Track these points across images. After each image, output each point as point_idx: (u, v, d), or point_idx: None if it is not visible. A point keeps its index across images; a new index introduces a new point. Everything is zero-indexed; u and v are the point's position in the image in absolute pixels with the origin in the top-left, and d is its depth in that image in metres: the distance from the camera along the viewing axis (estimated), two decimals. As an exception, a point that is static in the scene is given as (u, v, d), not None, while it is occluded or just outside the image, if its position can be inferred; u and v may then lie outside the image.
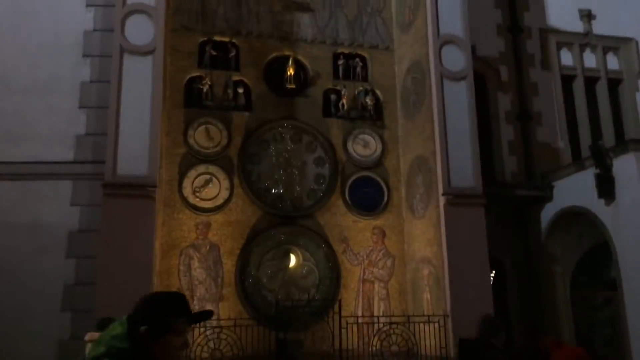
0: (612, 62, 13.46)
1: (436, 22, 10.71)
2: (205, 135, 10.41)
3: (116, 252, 8.14)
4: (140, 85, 8.84)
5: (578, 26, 13.36)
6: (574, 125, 12.87)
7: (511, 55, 12.79)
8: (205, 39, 10.87)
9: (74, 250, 9.17)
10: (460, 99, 10.47)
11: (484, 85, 12.44)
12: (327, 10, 11.87)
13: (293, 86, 11.15)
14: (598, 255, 11.05)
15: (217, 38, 10.95)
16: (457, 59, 10.65)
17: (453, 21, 10.79)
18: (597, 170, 9.89)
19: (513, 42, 12.87)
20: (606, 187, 9.76)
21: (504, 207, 11.59)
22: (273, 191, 10.64)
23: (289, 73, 11.11)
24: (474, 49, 11.68)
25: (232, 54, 11.01)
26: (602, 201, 9.89)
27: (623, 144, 10.17)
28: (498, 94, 12.54)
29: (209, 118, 10.48)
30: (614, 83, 13.43)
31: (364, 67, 11.81)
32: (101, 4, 10.00)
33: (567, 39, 13.27)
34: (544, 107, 12.64)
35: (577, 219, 10.85)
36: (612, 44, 13.48)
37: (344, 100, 11.33)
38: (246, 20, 11.24)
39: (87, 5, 10.03)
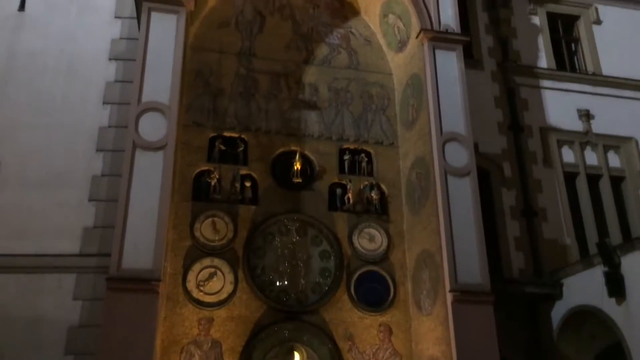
0: (614, 160, 13.72)
1: (439, 120, 11.06)
2: (212, 228, 10.45)
3: (116, 349, 7.92)
4: (150, 180, 9.02)
5: (577, 125, 13.76)
6: (579, 222, 12.91)
7: (513, 152, 13.08)
8: (215, 134, 11.21)
9: (73, 346, 8.93)
10: (464, 194, 10.59)
11: (487, 182, 12.63)
12: (334, 108, 12.31)
13: (299, 180, 11.33)
14: (613, 357, 10.66)
15: (226, 134, 11.30)
16: (460, 156, 10.89)
17: (455, 119, 11.15)
18: (606, 269, 9.80)
19: (514, 140, 13.21)
20: (616, 286, 9.62)
21: (513, 304, 11.36)
22: (277, 284, 10.51)
23: (295, 168, 11.33)
24: (476, 146, 11.94)
25: (241, 148, 11.30)
26: (613, 300, 9.71)
27: (630, 242, 10.14)
28: (502, 190, 12.70)
29: (216, 211, 10.57)
30: (617, 180, 13.61)
31: (369, 162, 12.05)
32: (117, 102, 10.46)
33: (567, 137, 13.62)
34: (548, 204, 12.73)
35: (588, 318, 10.59)
36: (612, 143, 13.80)
37: (350, 194, 11.46)
38: (255, 117, 11.64)
39: (104, 103, 10.49)
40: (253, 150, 11.37)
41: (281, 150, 11.56)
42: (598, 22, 15.14)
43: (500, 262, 11.98)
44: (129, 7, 11.16)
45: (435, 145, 10.82)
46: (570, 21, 15.29)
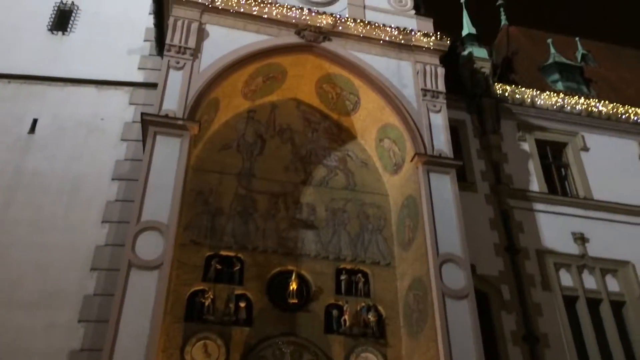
0: (613, 284, 13.59)
1: (435, 241, 11.15)
2: (203, 352, 10.13)
3: None
4: (142, 300, 8.89)
5: (573, 248, 13.80)
6: (582, 348, 12.50)
7: (511, 274, 12.99)
8: (212, 253, 11.23)
9: None
10: (463, 317, 10.40)
11: (487, 304, 12.42)
12: (331, 228, 12.45)
13: (295, 301, 11.18)
14: None
15: (223, 252, 11.32)
16: (457, 277, 10.84)
17: (451, 241, 11.24)
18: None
19: (511, 262, 13.17)
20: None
21: None
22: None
23: (291, 288, 11.22)
24: (473, 268, 11.94)
25: (237, 267, 11.26)
26: None
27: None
28: (502, 313, 12.44)
29: (208, 333, 10.31)
30: (618, 305, 13.39)
31: (366, 282, 11.95)
32: (116, 221, 10.59)
33: (564, 261, 13.59)
34: (549, 329, 12.41)
35: None
36: (610, 266, 13.76)
37: (346, 316, 11.24)
38: (253, 236, 11.73)
39: (103, 222, 10.61)
40: (249, 270, 11.32)
41: (277, 269, 11.52)
42: (585, 149, 15.75)
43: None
44: (136, 131, 11.68)
45: (432, 266, 10.82)
46: (559, 148, 15.92)
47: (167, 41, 11.71)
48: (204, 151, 12.32)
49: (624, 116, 16.41)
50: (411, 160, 12.21)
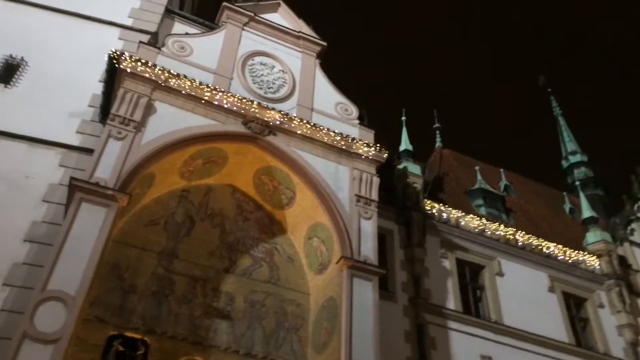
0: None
1: (349, 348, 11.04)
2: None
3: None
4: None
5: (482, 372, 14.04)
6: None
7: (420, 392, 12.95)
8: (116, 333, 10.60)
9: None
10: None
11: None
12: (247, 321, 12.14)
13: (197, 397, 10.59)
14: None
15: (128, 334, 10.71)
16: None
17: (365, 349, 11.16)
18: None
19: (422, 379, 13.19)
20: None
21: None
22: None
23: (194, 378, 10.67)
24: (383, 380, 11.82)
25: (141, 352, 10.64)
26: None
27: None
28: None
29: None
30: None
31: (274, 384, 11.54)
32: (19, 285, 9.89)
33: (473, 384, 13.75)
34: None
35: None
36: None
37: (247, 420, 10.71)
38: (164, 320, 11.22)
39: (3, 284, 9.86)
40: (153, 355, 10.72)
41: (183, 359, 10.96)
42: (501, 274, 16.50)
43: None
44: (60, 194, 11.21)
45: (343, 375, 10.62)
46: (477, 269, 16.60)
47: (113, 110, 11.69)
48: (129, 224, 11.95)
49: (537, 248, 17.46)
50: (337, 262, 12.32)
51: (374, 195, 13.73)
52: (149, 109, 12.12)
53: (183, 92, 12.64)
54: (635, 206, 21.07)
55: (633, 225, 20.20)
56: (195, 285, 11.99)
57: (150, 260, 11.82)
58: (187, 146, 12.34)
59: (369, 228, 13.19)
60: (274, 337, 12.20)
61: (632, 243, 19.51)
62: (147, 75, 12.32)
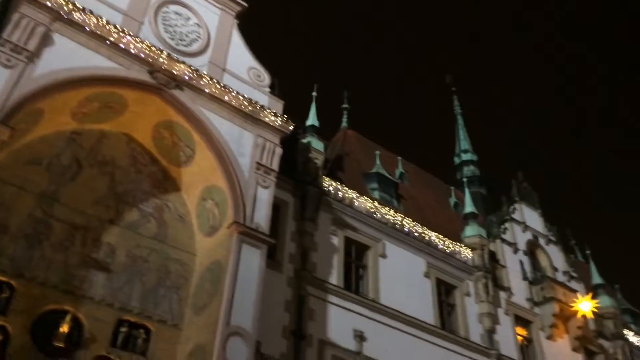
0: (375, 383, 14.63)
1: (229, 311, 11.15)
2: None
3: None
4: None
5: (352, 344, 14.70)
6: None
7: (291, 358, 13.33)
8: (-21, 272, 9.92)
9: None
10: (234, 395, 10.34)
11: (261, 384, 12.49)
12: (126, 275, 11.85)
13: (62, 345, 10.20)
14: None
15: (-7, 274, 10.06)
16: (241, 352, 10.88)
17: (245, 315, 11.32)
18: None
19: (295, 347, 13.56)
20: None
21: None
22: None
23: (61, 330, 10.26)
24: (259, 345, 12.06)
25: (5, 295, 10.04)
26: None
27: None
28: (273, 395, 12.60)
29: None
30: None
31: (147, 340, 11.42)
32: None
33: (341, 354, 14.35)
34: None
35: None
36: (378, 368, 14.84)
37: (114, 372, 10.52)
38: (35, 265, 10.65)
39: None
40: (19, 300, 10.17)
41: (51, 307, 10.49)
42: (384, 255, 17.30)
43: None
44: None
45: (219, 337, 10.73)
46: (363, 249, 17.26)
47: (4, 35, 10.68)
48: (7, 160, 11.08)
49: (420, 235, 18.47)
50: (228, 227, 12.31)
51: (275, 165, 13.81)
52: (46, 40, 11.24)
53: (87, 28, 11.83)
54: (511, 208, 22.90)
55: (506, 225, 21.97)
56: (74, 233, 11.45)
57: (27, 201, 11.10)
58: (84, 86, 11.62)
59: (265, 197, 13.26)
60: (152, 294, 12.01)
61: (503, 241, 21.24)
62: (48, 3, 11.38)
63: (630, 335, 22.53)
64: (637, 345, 22.43)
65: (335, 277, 15.68)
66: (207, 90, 13.24)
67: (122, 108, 12.73)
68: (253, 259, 12.14)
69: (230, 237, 12.15)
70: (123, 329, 11.17)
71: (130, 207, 12.63)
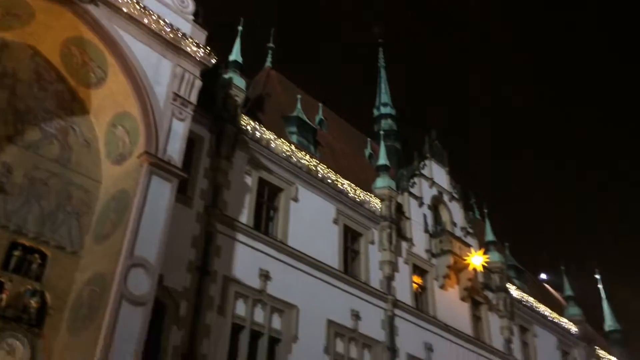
0: (276, 322, 15.09)
1: (133, 242, 10.94)
2: None
3: None
4: None
5: (256, 283, 14.98)
6: (232, 375, 13.47)
7: (194, 293, 13.39)
8: None
9: None
10: (132, 325, 10.32)
11: (161, 316, 12.50)
12: (23, 197, 11.24)
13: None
14: None
15: None
16: (142, 284, 10.77)
17: (149, 247, 11.16)
18: None
19: (199, 282, 13.62)
20: None
21: None
22: None
23: (-52, 249, 9.64)
24: (161, 278, 12.01)
25: None
26: None
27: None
28: (173, 328, 12.65)
29: None
30: (274, 341, 14.85)
31: (42, 265, 11.01)
32: None
33: (245, 292, 14.61)
34: (210, 351, 13.06)
35: None
36: (279, 306, 15.26)
37: (4, 295, 10.12)
38: None
39: None
40: None
41: None
42: (296, 199, 17.53)
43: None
44: None
45: (121, 267, 10.56)
46: (276, 191, 17.37)
47: None
48: None
49: (333, 182, 18.84)
50: (138, 157, 11.90)
51: (193, 98, 13.38)
52: None
53: None
54: (422, 164, 23.84)
55: (415, 180, 22.90)
56: (-34, 147, 10.61)
57: None
58: (-16, -13, 10.50)
59: (180, 130, 12.89)
60: (51, 219, 11.50)
61: (410, 194, 22.17)
62: None
63: (512, 289, 24.64)
64: (517, 298, 24.61)
65: (245, 217, 15.73)
66: (124, 10, 12.43)
67: (28, 18, 11.70)
68: (162, 191, 11.87)
69: (140, 168, 11.77)
70: (16, 253, 10.68)
71: (32, 126, 11.83)
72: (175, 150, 12.54)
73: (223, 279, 14.25)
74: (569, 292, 29.45)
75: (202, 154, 15.43)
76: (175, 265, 13.23)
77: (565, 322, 27.22)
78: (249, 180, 16.42)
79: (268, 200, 17.12)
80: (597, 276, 32.51)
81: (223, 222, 14.93)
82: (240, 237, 15.25)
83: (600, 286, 32.23)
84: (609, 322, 31.48)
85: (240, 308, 14.42)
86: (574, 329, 27.48)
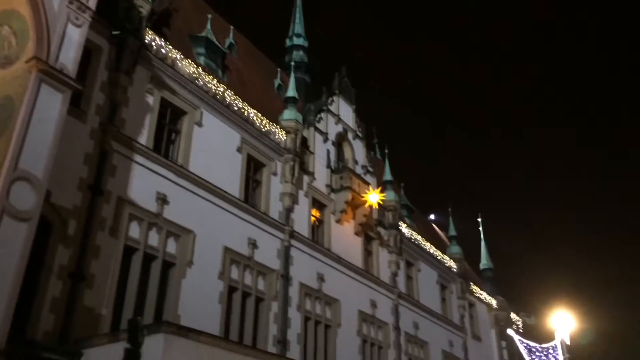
0: (171, 246, 14.92)
1: (17, 154, 10.19)
2: None
3: None
4: None
5: (153, 206, 14.60)
6: (122, 296, 13.27)
7: (84, 212, 12.81)
8: None
9: None
10: (15, 242, 9.76)
11: (47, 234, 11.91)
12: None
13: None
14: None
15: None
16: (26, 199, 10.13)
17: (36, 160, 10.44)
18: (129, 345, 10.16)
19: (90, 201, 13.02)
20: (131, 363, 10.03)
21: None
22: None
23: None
24: (48, 194, 11.35)
25: None
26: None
27: (156, 325, 10.94)
28: (59, 246, 12.11)
29: None
30: (168, 265, 14.75)
31: None
32: None
33: (140, 214, 14.21)
34: (99, 272, 12.71)
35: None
36: (175, 231, 15.04)
37: None
38: None
39: None
40: None
41: None
42: (200, 124, 17.02)
43: (28, 320, 11.12)
44: None
45: (3, 181, 9.79)
46: (179, 114, 16.71)
47: None
48: None
49: (240, 110, 18.46)
50: (26, 62, 10.84)
51: (92, 4, 12.27)
52: None
53: None
54: (330, 99, 23.95)
55: (322, 115, 23.04)
56: None
57: None
58: None
59: (75, 36, 11.84)
60: None
61: (316, 129, 22.34)
62: None
63: (403, 227, 26.10)
64: (407, 236, 26.15)
65: (144, 138, 15.10)
66: None
67: None
68: (53, 102, 11.00)
69: (28, 74, 10.78)
70: None
71: None
72: (69, 58, 11.56)
73: (117, 200, 13.74)
74: (452, 232, 31.73)
75: (99, 66, 14.40)
76: (65, 182, 12.54)
77: (446, 260, 29.46)
78: (150, 99, 15.64)
79: (170, 122, 16.49)
80: (479, 219, 35.25)
81: (120, 141, 14.23)
82: (138, 158, 14.66)
83: (480, 229, 35.04)
84: (484, 261, 34.57)
85: (134, 230, 14.07)
86: (453, 266, 29.85)
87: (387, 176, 26.09)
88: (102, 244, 13.02)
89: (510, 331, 18.91)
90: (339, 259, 21.09)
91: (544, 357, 13.93)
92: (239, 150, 18.32)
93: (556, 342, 13.95)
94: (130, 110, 14.87)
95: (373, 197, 22.67)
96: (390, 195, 25.12)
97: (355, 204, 22.53)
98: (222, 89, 17.95)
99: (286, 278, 18.26)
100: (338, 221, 21.91)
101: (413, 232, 27.21)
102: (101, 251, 12.95)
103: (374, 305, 22.52)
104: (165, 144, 16.20)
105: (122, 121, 14.54)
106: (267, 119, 19.51)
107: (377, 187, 24.25)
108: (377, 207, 23.60)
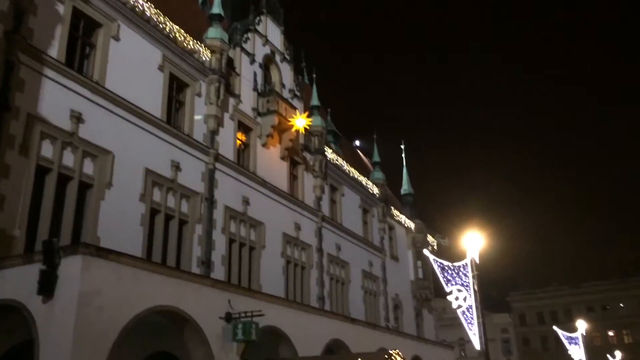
0: (88, 167, 14.32)
1: None
2: None
3: None
4: None
5: (66, 124, 13.81)
6: (35, 217, 12.76)
7: (-10, 130, 11.96)
8: None
9: None
10: None
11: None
12: None
13: None
14: (21, 354, 10.75)
15: None
16: None
17: None
18: (44, 267, 9.91)
19: (-4, 118, 12.13)
20: (48, 285, 9.81)
21: None
22: None
23: None
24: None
25: None
26: (40, 298, 9.86)
27: (74, 246, 10.66)
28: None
29: None
30: (85, 187, 14.20)
31: None
32: None
33: (53, 133, 13.43)
34: (10, 192, 12.05)
35: (9, 313, 10.39)
36: (93, 151, 14.39)
37: None
38: None
39: None
40: None
41: None
42: (117, 38, 15.97)
43: None
44: None
45: None
46: (94, 26, 15.55)
47: None
48: None
49: (161, 25, 17.43)
50: None
51: None
52: None
53: None
54: (257, 19, 23.08)
55: (249, 35, 22.24)
56: None
57: None
58: None
59: None
60: None
61: (242, 50, 21.60)
62: None
63: (328, 152, 26.40)
64: (332, 162, 26.53)
65: (55, 50, 14.04)
66: None
67: None
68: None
69: None
70: None
71: None
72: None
73: (27, 117, 12.88)
74: (376, 158, 32.51)
75: (2, -31, 12.95)
76: (-34, 96, 11.53)
77: (369, 185, 30.33)
78: (61, 8, 14.41)
79: (84, 35, 15.37)
80: (402, 146, 36.21)
81: (27, 53, 13.15)
82: (49, 72, 13.68)
83: (403, 155, 36.08)
84: (405, 187, 35.90)
85: (47, 150, 13.35)
86: (376, 190, 30.83)
87: (315, 101, 25.98)
88: (11, 163, 12.29)
89: (426, 251, 20.08)
90: (264, 183, 21.17)
91: (455, 274, 14.96)
92: (161, 68, 17.48)
93: (467, 260, 14.97)
94: (38, 20, 13.66)
95: (300, 121, 22.60)
96: (317, 120, 25.14)
97: (282, 128, 22.41)
98: (141, 1, 16.80)
99: (210, 201, 18.17)
100: (264, 145, 21.79)
101: (338, 157, 27.62)
102: (11, 170, 12.25)
103: (298, 227, 23.03)
104: (79, 58, 15.16)
105: (30, 31, 13.39)
106: (190, 36, 18.60)
107: (304, 112, 24.16)
108: (303, 131, 23.60)
